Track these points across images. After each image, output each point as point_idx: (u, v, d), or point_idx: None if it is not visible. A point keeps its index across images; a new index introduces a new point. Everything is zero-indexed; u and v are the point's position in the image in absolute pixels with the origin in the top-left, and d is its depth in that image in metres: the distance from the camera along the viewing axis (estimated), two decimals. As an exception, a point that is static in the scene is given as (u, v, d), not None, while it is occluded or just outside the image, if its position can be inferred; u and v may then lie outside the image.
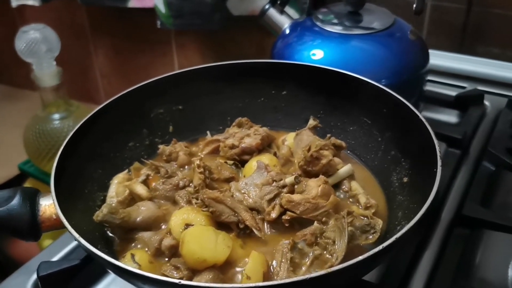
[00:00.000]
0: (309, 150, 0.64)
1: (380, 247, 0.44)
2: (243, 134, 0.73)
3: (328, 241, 0.55)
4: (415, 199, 0.58)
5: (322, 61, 0.82)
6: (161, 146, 0.74)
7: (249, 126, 0.76)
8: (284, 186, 0.61)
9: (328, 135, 0.71)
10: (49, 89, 1.17)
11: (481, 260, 0.63)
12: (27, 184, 1.33)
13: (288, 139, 0.74)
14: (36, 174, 1.28)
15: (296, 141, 0.71)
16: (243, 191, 0.62)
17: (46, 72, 1.14)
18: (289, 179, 0.61)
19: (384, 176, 0.67)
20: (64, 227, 0.52)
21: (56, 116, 1.20)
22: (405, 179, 0.64)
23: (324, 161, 0.64)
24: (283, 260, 0.53)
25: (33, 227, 0.56)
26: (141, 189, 0.64)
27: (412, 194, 0.61)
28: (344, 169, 0.66)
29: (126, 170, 0.71)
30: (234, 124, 0.77)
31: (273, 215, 0.59)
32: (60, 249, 0.68)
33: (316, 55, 0.83)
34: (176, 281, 0.44)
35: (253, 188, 0.62)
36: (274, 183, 0.61)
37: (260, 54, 1.34)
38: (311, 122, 0.73)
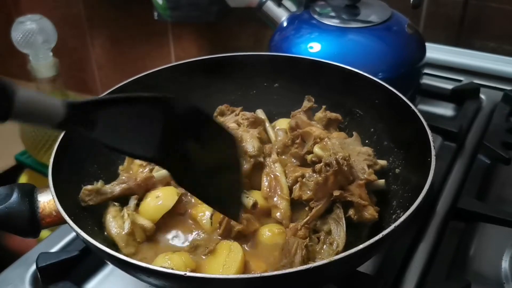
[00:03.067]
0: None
1: (376, 238, 0.45)
2: (232, 120, 0.73)
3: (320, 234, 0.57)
4: (409, 188, 0.59)
5: (319, 54, 0.82)
6: None
7: (231, 111, 0.75)
8: None
9: (324, 107, 0.72)
10: (45, 80, 1.17)
11: (475, 252, 0.64)
12: (24, 175, 1.33)
13: (278, 125, 0.74)
14: (33, 165, 1.29)
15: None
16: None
17: (43, 63, 1.14)
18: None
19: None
20: (64, 222, 0.52)
21: (53, 107, 1.20)
22: (397, 170, 0.64)
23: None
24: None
25: (33, 224, 0.56)
26: (144, 221, 0.60)
27: (406, 184, 0.61)
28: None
29: (114, 204, 0.65)
30: (215, 114, 0.76)
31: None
32: (58, 240, 0.68)
33: (313, 48, 0.83)
34: (182, 273, 0.44)
35: None
36: None
37: (257, 47, 1.34)
38: (306, 103, 0.73)
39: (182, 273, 0.44)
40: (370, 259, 0.57)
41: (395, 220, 0.48)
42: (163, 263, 0.54)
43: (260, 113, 0.77)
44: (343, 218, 0.56)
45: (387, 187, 0.64)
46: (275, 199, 0.61)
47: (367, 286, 0.56)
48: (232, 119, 0.73)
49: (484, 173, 0.77)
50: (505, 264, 0.62)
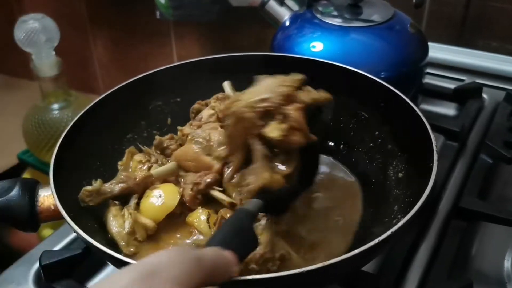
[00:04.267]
0: None
1: (376, 240, 0.45)
2: (207, 112, 0.72)
3: None
4: (411, 193, 0.59)
5: (322, 53, 0.82)
6: (157, 137, 0.73)
7: (206, 104, 0.74)
8: None
9: None
10: (48, 79, 1.17)
11: (477, 252, 0.64)
12: (26, 173, 1.33)
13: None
14: (35, 164, 1.29)
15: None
16: None
17: (46, 62, 1.14)
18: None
19: (380, 171, 0.68)
20: (62, 218, 0.53)
21: (55, 106, 1.20)
22: (401, 174, 0.64)
23: None
24: None
25: (31, 218, 0.57)
26: (146, 220, 0.60)
27: (408, 188, 0.61)
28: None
29: (114, 202, 0.64)
30: (192, 115, 0.75)
31: None
32: (61, 238, 0.68)
33: (316, 47, 0.83)
34: None
35: None
36: None
37: (259, 46, 1.34)
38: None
39: None
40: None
41: (395, 224, 0.48)
42: None
43: (227, 86, 0.75)
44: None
45: (389, 190, 0.64)
46: None
47: (369, 285, 0.56)
48: (207, 111, 0.71)
49: (486, 172, 0.77)
50: (507, 264, 0.62)
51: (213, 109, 0.70)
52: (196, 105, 0.75)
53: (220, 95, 0.73)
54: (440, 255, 0.64)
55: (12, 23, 1.13)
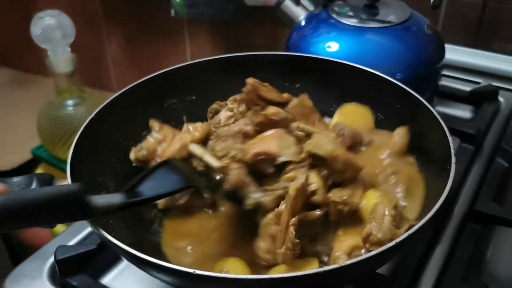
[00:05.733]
0: None
1: (393, 242, 0.45)
2: (225, 114, 0.71)
3: None
4: (427, 195, 0.58)
5: (337, 53, 0.82)
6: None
7: (224, 105, 0.73)
8: None
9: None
10: (63, 76, 1.18)
11: (492, 255, 0.64)
12: (40, 168, 1.34)
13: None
14: (48, 159, 1.30)
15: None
16: None
17: (61, 59, 1.15)
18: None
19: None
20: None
21: (70, 102, 1.21)
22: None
23: None
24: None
25: None
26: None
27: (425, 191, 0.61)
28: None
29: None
30: (210, 115, 0.74)
31: None
32: (76, 233, 0.69)
33: (331, 47, 0.83)
34: (191, 270, 0.44)
35: None
36: None
37: (272, 45, 1.34)
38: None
39: (191, 270, 0.44)
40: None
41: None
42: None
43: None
44: None
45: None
46: None
47: (383, 287, 0.56)
48: (225, 112, 0.71)
49: (502, 176, 0.77)
50: (522, 268, 0.61)
51: (231, 111, 0.70)
52: (214, 105, 0.74)
53: (237, 96, 0.73)
54: (455, 259, 0.64)
55: (28, 20, 1.14)
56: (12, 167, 1.41)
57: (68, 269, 0.61)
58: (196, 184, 0.63)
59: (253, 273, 0.55)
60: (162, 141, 0.70)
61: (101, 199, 0.49)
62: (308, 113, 0.71)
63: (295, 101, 0.71)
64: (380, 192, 0.59)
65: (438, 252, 0.63)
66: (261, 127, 0.65)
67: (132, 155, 0.70)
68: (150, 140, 0.70)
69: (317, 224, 0.56)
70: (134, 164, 0.70)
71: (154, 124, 0.72)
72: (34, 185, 0.57)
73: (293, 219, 0.53)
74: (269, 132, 0.64)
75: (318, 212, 0.56)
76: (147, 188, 0.55)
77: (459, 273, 0.61)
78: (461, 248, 0.65)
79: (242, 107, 0.69)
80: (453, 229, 0.67)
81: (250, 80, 0.68)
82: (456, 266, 0.63)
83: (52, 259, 0.63)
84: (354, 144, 0.67)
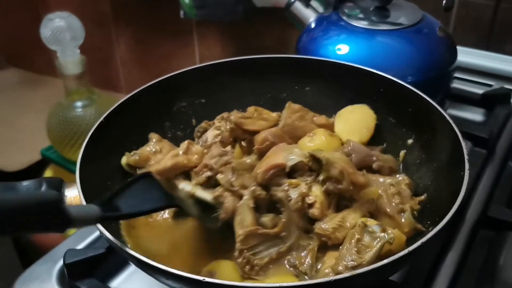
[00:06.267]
0: None
1: (406, 251, 0.44)
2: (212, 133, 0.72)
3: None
4: (439, 201, 0.58)
5: (347, 56, 0.81)
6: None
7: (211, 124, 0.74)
8: None
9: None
10: (72, 77, 1.18)
11: (505, 262, 0.63)
12: (49, 169, 1.35)
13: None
14: (58, 160, 1.30)
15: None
16: None
17: (70, 60, 1.15)
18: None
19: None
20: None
21: (79, 104, 1.21)
22: (428, 182, 0.63)
23: None
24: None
25: None
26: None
27: (436, 196, 0.60)
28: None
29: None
30: (199, 134, 0.75)
31: None
32: (84, 237, 0.69)
33: (341, 50, 0.82)
34: (200, 278, 0.44)
35: None
36: None
37: (281, 47, 1.33)
38: None
39: (200, 278, 0.44)
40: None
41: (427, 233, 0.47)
42: None
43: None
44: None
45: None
46: None
47: (394, 294, 0.55)
48: (212, 131, 0.72)
49: (515, 181, 0.76)
50: (536, 275, 0.60)
51: (218, 129, 0.70)
52: (203, 125, 0.75)
53: (224, 114, 0.73)
54: (467, 265, 0.63)
55: (38, 21, 1.15)
56: (22, 167, 1.41)
57: (77, 272, 0.60)
58: (186, 209, 0.62)
59: (242, 276, 0.55)
60: (157, 152, 0.69)
61: (78, 210, 0.46)
62: (302, 114, 0.71)
63: (283, 112, 0.71)
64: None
65: (450, 259, 0.63)
66: (260, 154, 0.65)
67: (123, 160, 0.68)
68: (146, 148, 0.69)
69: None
70: (125, 169, 0.68)
71: (154, 136, 0.71)
72: (43, 189, 0.57)
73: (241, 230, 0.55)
74: (270, 151, 0.64)
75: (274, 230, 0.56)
76: (127, 202, 0.51)
77: (472, 280, 0.61)
78: (473, 255, 0.64)
79: (230, 125, 0.68)
80: (465, 235, 0.66)
81: (233, 118, 0.68)
82: (469, 273, 0.62)
83: (61, 262, 0.63)
84: (363, 165, 0.66)
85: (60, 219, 0.43)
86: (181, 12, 1.30)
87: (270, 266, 0.55)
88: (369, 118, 0.72)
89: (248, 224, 0.56)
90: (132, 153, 0.68)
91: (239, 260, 0.54)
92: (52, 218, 0.42)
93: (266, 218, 0.58)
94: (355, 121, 0.73)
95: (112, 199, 0.51)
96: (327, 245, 0.56)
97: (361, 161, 0.65)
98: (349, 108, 0.74)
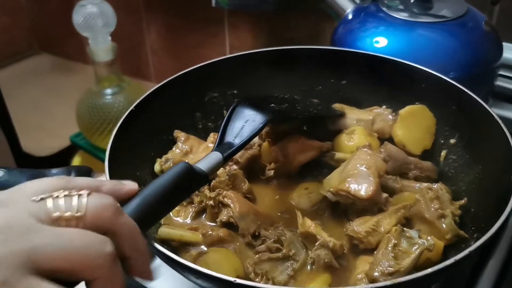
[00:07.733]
0: None
1: (452, 260, 0.41)
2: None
3: None
4: (485, 206, 0.54)
5: (385, 49, 0.78)
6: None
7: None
8: None
9: None
10: (103, 64, 1.18)
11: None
12: (77, 156, 1.35)
13: (357, 133, 0.69)
14: (86, 147, 1.31)
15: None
16: None
17: (101, 47, 1.15)
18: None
19: (449, 180, 0.63)
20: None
21: (109, 91, 1.21)
22: (473, 186, 0.59)
23: None
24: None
25: None
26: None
27: (481, 201, 0.56)
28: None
29: None
30: None
31: None
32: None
33: (379, 42, 0.79)
34: (231, 279, 0.42)
35: None
36: None
37: (314, 39, 1.29)
38: None
39: (231, 279, 0.42)
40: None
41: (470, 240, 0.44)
42: None
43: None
44: None
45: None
46: None
47: (432, 302, 0.52)
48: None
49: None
50: None
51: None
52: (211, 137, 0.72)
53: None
54: (509, 273, 0.59)
55: (70, 8, 1.14)
56: (51, 153, 1.42)
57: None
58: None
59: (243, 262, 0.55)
60: (188, 152, 0.67)
61: (206, 164, 0.51)
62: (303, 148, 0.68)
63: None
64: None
65: (491, 267, 0.59)
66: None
67: (157, 167, 0.67)
68: (176, 151, 0.68)
69: None
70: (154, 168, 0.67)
71: (180, 134, 0.70)
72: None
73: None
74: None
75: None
76: (233, 134, 0.57)
77: (514, 290, 0.57)
78: (516, 263, 0.60)
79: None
80: (507, 242, 0.62)
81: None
82: (511, 282, 0.58)
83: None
84: (398, 173, 0.63)
85: (199, 178, 0.49)
86: (213, 1, 1.28)
87: (292, 281, 0.53)
88: (430, 122, 0.69)
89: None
90: (164, 159, 0.67)
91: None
92: (194, 181, 0.48)
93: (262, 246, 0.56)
94: (417, 127, 0.68)
95: (222, 139, 0.57)
96: (358, 249, 0.54)
97: (397, 169, 0.62)
98: (408, 109, 0.69)
